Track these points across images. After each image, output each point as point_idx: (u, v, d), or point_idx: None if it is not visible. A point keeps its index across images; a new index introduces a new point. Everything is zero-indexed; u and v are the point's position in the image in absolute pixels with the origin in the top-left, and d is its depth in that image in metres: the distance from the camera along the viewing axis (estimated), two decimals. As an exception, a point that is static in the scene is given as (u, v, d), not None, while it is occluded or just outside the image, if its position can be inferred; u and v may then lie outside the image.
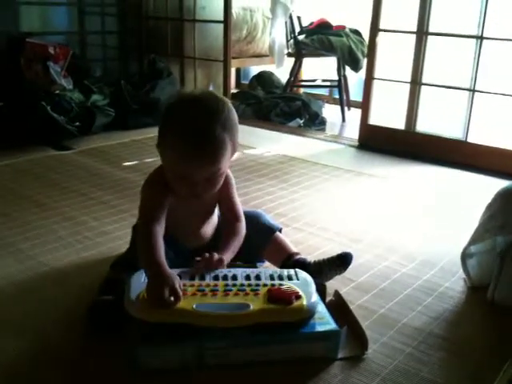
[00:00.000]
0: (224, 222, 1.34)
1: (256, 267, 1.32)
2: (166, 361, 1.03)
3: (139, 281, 1.09)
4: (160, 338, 1.02)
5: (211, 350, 1.04)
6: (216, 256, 1.16)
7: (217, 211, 1.36)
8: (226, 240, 1.26)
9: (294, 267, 1.22)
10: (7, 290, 1.32)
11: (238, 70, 4.88)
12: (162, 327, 1.01)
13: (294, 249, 1.39)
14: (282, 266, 1.32)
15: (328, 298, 1.26)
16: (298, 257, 1.36)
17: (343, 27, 3.82)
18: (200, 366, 1.04)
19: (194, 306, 1.02)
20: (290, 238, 1.50)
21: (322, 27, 3.79)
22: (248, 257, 1.33)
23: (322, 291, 1.21)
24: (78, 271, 1.43)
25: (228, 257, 1.21)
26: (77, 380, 1.02)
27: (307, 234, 1.71)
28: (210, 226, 1.34)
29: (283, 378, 1.04)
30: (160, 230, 1.16)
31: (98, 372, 1.03)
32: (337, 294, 1.28)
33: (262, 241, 1.36)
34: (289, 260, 1.35)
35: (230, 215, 1.32)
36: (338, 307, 1.22)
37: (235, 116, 1.19)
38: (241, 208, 1.34)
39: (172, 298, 1.01)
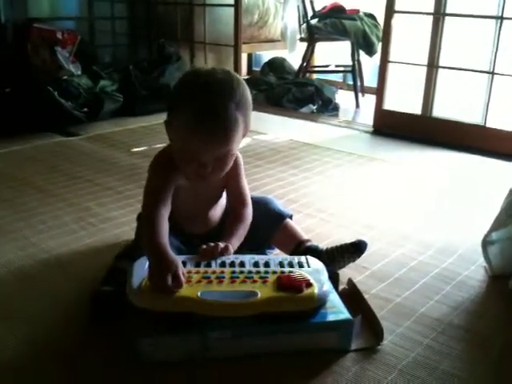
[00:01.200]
0: (230, 207, 1.28)
1: (265, 254, 1.27)
2: (170, 352, 0.98)
3: (142, 268, 1.04)
4: (163, 328, 0.97)
5: (216, 340, 0.98)
6: (221, 245, 1.11)
7: (225, 194, 1.30)
8: (232, 227, 1.21)
9: (305, 254, 1.17)
10: (6, 278, 1.27)
11: (249, 57, 4.80)
12: (165, 317, 0.96)
13: (304, 236, 1.33)
14: (293, 254, 1.26)
15: (341, 287, 1.20)
16: (310, 244, 1.30)
17: (357, 11, 3.73)
18: (205, 357, 0.98)
19: (199, 294, 0.97)
20: (301, 224, 1.45)
21: (336, 11, 3.71)
22: (257, 244, 1.27)
23: (334, 279, 1.16)
24: (81, 257, 1.38)
25: (234, 244, 1.16)
26: (78, 373, 0.97)
27: (319, 221, 1.65)
28: (217, 210, 1.29)
29: (292, 371, 0.98)
30: (165, 213, 1.11)
31: (99, 365, 0.98)
32: (350, 282, 1.22)
33: (271, 227, 1.30)
34: (299, 247, 1.29)
35: (236, 199, 1.26)
36: (352, 296, 1.17)
37: (249, 95, 1.14)
38: (248, 192, 1.28)
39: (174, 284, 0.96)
